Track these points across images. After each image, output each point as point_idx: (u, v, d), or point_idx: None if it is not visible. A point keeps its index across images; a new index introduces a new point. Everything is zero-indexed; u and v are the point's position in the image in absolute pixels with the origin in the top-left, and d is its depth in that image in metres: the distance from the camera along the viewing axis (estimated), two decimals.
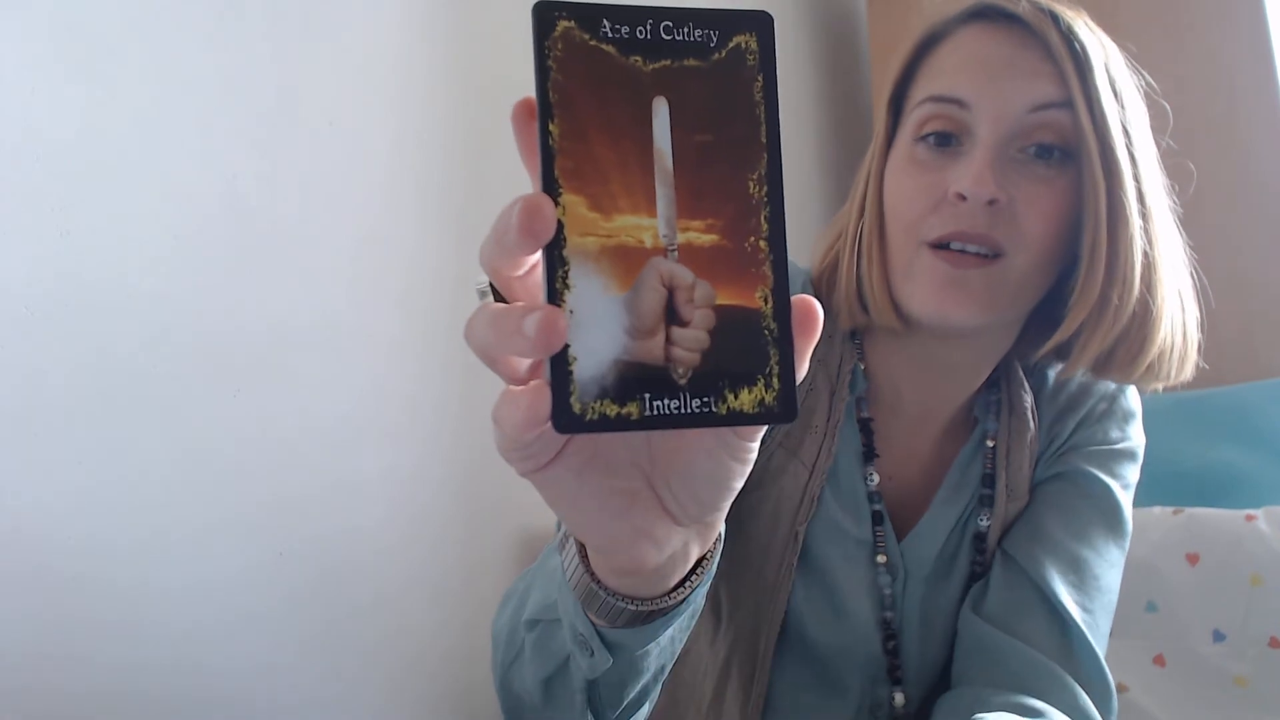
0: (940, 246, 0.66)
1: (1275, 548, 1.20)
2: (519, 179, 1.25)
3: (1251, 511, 1.25)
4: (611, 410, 0.29)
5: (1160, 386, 0.72)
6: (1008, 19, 0.68)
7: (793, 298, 0.31)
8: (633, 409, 0.29)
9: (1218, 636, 1.21)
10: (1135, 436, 0.78)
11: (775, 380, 0.30)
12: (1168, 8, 1.62)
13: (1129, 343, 0.67)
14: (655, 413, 0.29)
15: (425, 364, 1.07)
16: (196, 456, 0.83)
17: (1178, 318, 0.68)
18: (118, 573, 0.76)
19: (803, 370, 0.31)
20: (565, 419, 0.29)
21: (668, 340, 0.30)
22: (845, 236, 0.74)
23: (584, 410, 0.29)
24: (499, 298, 0.33)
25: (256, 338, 0.89)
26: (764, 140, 0.31)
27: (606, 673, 0.49)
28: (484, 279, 0.34)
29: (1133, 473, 0.76)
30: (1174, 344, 0.68)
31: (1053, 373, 0.79)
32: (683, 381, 0.30)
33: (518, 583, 0.63)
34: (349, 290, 0.99)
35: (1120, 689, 1.23)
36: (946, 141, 0.67)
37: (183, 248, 0.83)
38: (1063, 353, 0.70)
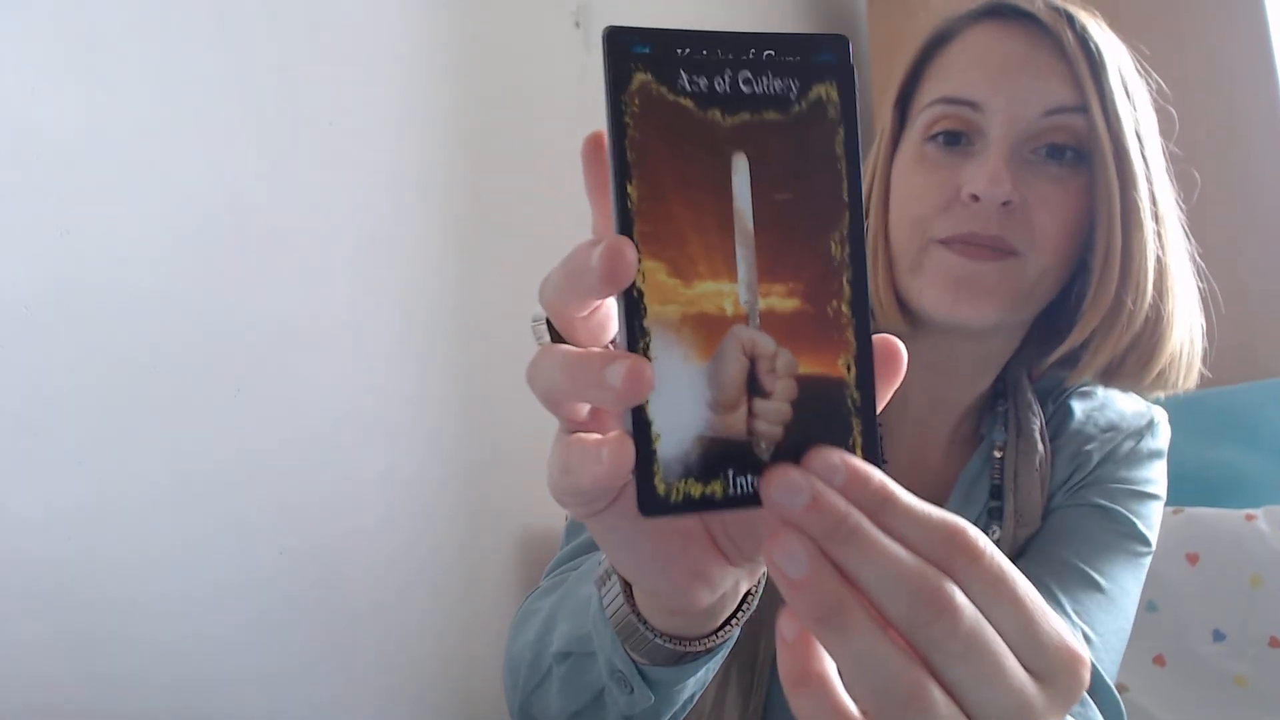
0: (950, 241, 0.64)
1: (1275, 548, 1.20)
2: (519, 178, 1.24)
3: (1251, 511, 1.25)
4: (696, 490, 0.28)
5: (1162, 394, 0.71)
6: (1022, 17, 0.66)
7: (875, 336, 0.30)
8: (716, 488, 0.28)
9: (1218, 636, 1.21)
10: (1158, 479, 0.75)
11: (858, 452, 0.29)
12: (1168, 8, 1.62)
13: (1140, 349, 0.66)
14: (739, 491, 0.28)
15: (426, 364, 1.07)
16: (196, 457, 0.83)
17: (1185, 324, 0.67)
18: (116, 578, 0.76)
19: (880, 408, 0.31)
20: (650, 501, 0.28)
21: (750, 413, 0.29)
22: None
23: (669, 491, 0.28)
24: (555, 336, 0.32)
25: (256, 338, 0.89)
26: (846, 198, 0.30)
27: (644, 708, 0.48)
28: (540, 314, 0.33)
29: (1154, 514, 0.74)
30: (1183, 351, 0.67)
31: (1076, 402, 0.76)
32: (765, 457, 0.29)
33: (533, 603, 0.62)
34: (349, 290, 0.99)
35: (1120, 689, 1.23)
36: (956, 140, 0.66)
37: (183, 248, 0.83)
38: (1072, 360, 0.68)
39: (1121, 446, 0.74)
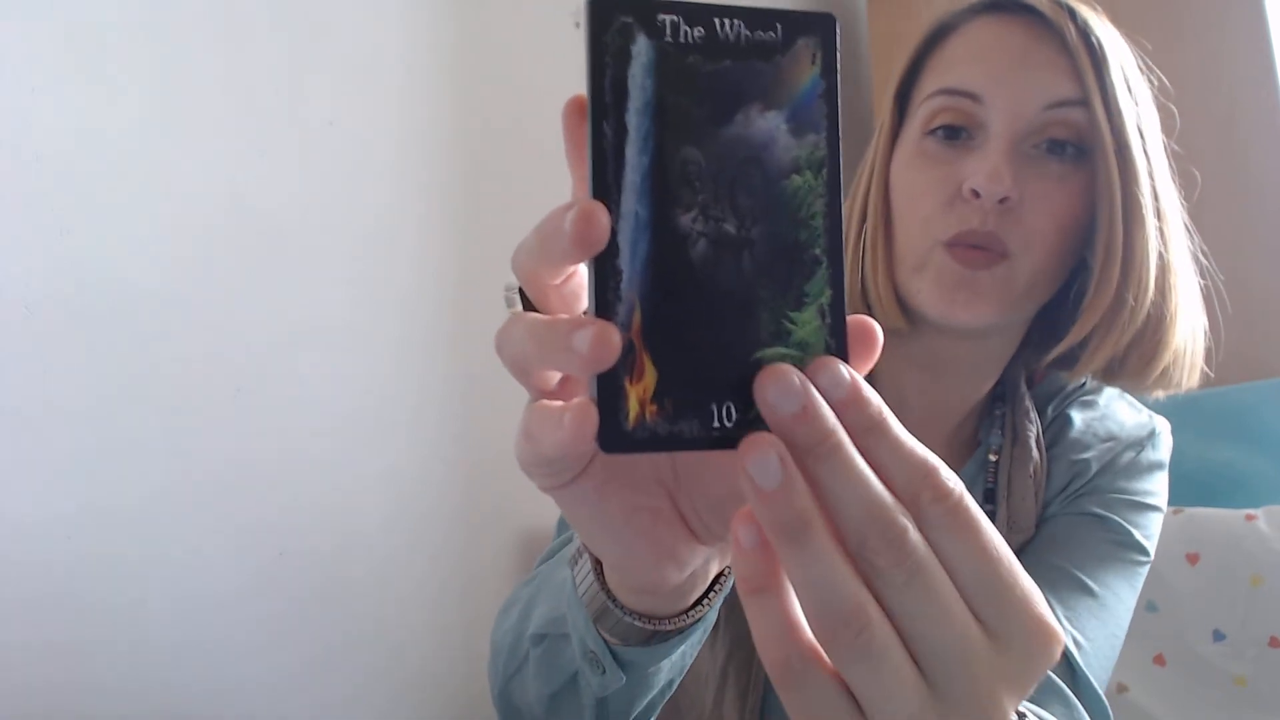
0: (952, 245, 0.64)
1: (1275, 548, 1.20)
2: (521, 178, 1.24)
3: (1251, 511, 1.25)
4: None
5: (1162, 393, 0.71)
6: (1024, 11, 0.66)
7: (849, 317, 0.30)
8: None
9: (1218, 636, 1.21)
10: (1158, 490, 0.74)
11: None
12: (1168, 8, 1.62)
13: (1142, 348, 0.65)
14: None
15: (427, 366, 1.07)
16: (195, 459, 0.82)
17: (1188, 323, 0.67)
18: (115, 581, 0.76)
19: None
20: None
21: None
22: (848, 233, 0.73)
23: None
24: (527, 305, 0.32)
25: (257, 338, 0.88)
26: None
27: (616, 690, 0.48)
28: (513, 284, 0.32)
29: (1153, 525, 0.72)
30: (1186, 349, 0.66)
31: (1076, 411, 0.76)
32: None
33: (518, 591, 0.62)
34: (350, 291, 0.99)
35: (1120, 689, 1.23)
36: (956, 134, 0.66)
37: (183, 248, 0.83)
38: (1070, 358, 0.68)
39: (1121, 457, 0.74)
